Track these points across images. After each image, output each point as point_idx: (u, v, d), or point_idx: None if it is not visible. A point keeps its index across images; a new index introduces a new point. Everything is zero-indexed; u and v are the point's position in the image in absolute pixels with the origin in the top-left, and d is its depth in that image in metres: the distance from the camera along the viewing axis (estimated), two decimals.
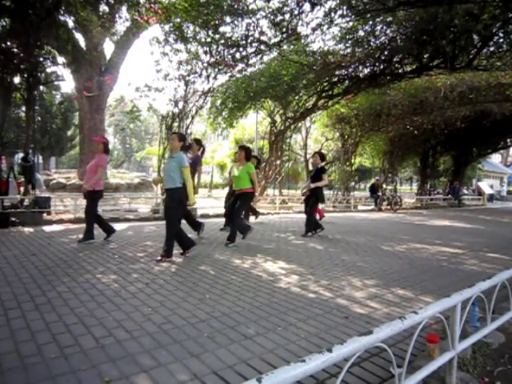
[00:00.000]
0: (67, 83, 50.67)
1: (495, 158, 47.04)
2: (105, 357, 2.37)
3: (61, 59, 12.35)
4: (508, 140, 25.61)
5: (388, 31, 10.45)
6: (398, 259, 5.79)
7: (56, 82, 24.61)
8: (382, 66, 12.28)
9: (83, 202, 11.34)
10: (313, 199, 7.77)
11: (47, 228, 7.71)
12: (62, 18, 9.98)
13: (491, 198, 29.77)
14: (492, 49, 10.73)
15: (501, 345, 2.66)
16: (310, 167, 6.29)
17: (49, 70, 15.58)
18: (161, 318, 3.05)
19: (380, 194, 16.89)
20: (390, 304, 3.61)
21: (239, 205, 6.57)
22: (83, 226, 8.16)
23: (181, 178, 5.15)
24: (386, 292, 4.00)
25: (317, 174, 7.79)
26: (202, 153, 7.38)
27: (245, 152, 6.78)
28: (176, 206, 5.21)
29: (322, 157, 8.26)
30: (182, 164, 5.14)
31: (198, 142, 7.35)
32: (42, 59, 10.08)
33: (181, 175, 5.15)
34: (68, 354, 2.39)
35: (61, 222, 8.47)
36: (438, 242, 7.66)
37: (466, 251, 6.74)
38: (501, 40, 10.22)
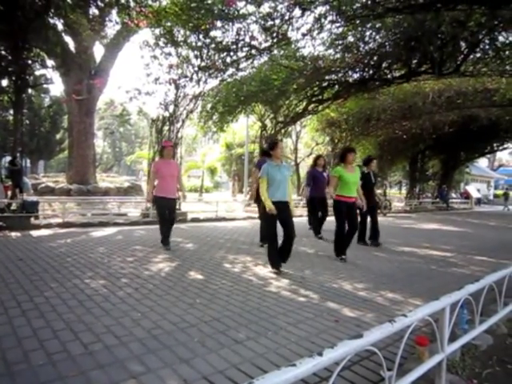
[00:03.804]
0: (56, 86, 50.39)
1: (482, 163, 47.77)
2: (93, 363, 2.34)
3: (50, 62, 12.28)
4: (494, 145, 26.03)
5: (377, 37, 10.57)
6: (387, 262, 5.83)
7: (45, 85, 24.36)
8: (371, 72, 12.42)
9: (72, 206, 11.28)
10: (373, 205, 7.31)
11: (35, 232, 7.60)
12: (51, 21, 9.90)
13: (479, 201, 30.18)
14: (478, 55, 10.94)
15: (489, 347, 2.69)
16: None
17: (37, 73, 15.47)
18: (150, 323, 3.02)
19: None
20: (380, 307, 3.63)
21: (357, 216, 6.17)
22: (72, 230, 8.13)
23: None
24: (376, 295, 4.02)
25: (375, 180, 7.72)
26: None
27: (355, 154, 6.17)
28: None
29: None
30: (291, 173, 5.06)
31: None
32: (30, 62, 9.99)
33: None
34: (56, 360, 2.35)
35: (49, 226, 8.35)
36: (426, 245, 7.74)
37: (455, 254, 6.82)
38: (487, 47, 10.42)
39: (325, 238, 7.77)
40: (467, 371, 2.33)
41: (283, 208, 4.74)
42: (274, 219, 4.77)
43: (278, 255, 4.89)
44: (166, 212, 6.09)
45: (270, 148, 4.98)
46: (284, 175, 4.79)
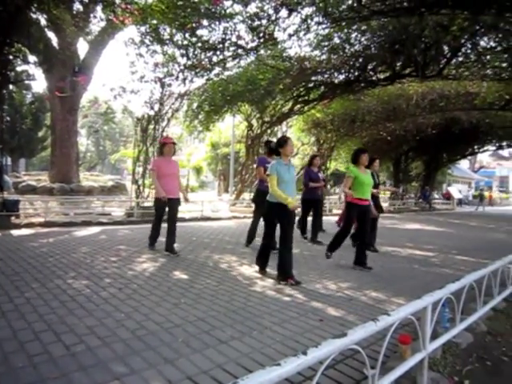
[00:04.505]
0: (39, 83, 49.38)
1: (464, 164, 48.82)
2: (75, 365, 2.30)
3: (32, 58, 12.00)
4: (475, 147, 26.67)
5: (362, 39, 10.70)
6: (371, 262, 5.87)
7: (27, 82, 23.85)
8: (356, 73, 12.56)
9: (54, 205, 11.06)
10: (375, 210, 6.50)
11: (15, 232, 7.44)
12: (33, 16, 9.69)
13: (460, 202, 30.81)
14: (461, 59, 11.20)
15: (469, 344, 2.75)
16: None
17: (19, 69, 15.11)
18: (134, 323, 2.99)
19: None
20: (364, 306, 3.67)
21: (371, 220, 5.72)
22: (54, 229, 7.98)
23: None
24: (360, 294, 4.06)
25: (379, 182, 7.09)
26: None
27: (368, 155, 5.72)
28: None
29: None
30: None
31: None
32: (11, 57, 9.74)
33: None
34: (37, 362, 2.31)
35: (30, 225, 8.19)
36: (409, 244, 7.86)
37: (437, 254, 6.95)
38: (469, 51, 10.67)
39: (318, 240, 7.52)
40: (448, 369, 2.38)
41: (288, 210, 4.40)
42: (275, 220, 4.58)
43: (285, 267, 4.45)
44: (163, 213, 5.83)
45: (279, 145, 4.51)
46: (292, 175, 4.51)
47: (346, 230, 5.62)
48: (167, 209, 5.83)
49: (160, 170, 5.69)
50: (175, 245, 5.88)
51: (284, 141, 4.51)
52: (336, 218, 9.43)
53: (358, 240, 5.67)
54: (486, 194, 33.45)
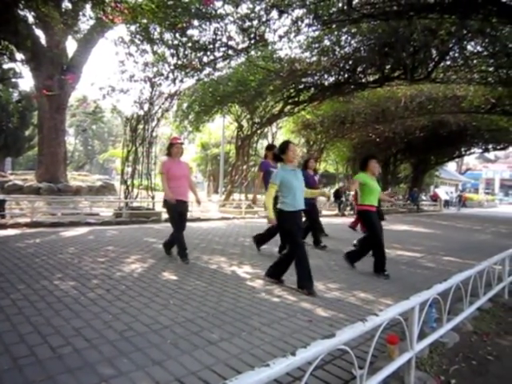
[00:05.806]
0: (26, 81, 48.66)
1: (451, 166, 49.56)
2: (62, 367, 2.27)
3: (19, 56, 11.83)
4: (462, 149, 27.11)
5: (352, 42, 10.81)
6: (360, 263, 5.92)
7: (13, 79, 23.46)
8: (346, 75, 12.66)
9: (41, 205, 10.90)
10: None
11: (1, 232, 7.31)
12: (21, 13, 9.56)
13: (447, 203, 31.29)
14: (448, 63, 11.39)
15: (455, 344, 2.79)
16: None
17: (6, 67, 14.85)
18: (122, 324, 2.96)
19: (344, 199, 17.28)
20: (353, 307, 3.69)
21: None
22: (41, 230, 7.87)
23: None
24: (349, 295, 4.09)
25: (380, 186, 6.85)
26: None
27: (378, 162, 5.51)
28: None
29: None
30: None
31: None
32: None
33: None
34: (22, 365, 2.27)
35: (16, 226, 8.05)
36: (397, 246, 7.92)
37: (424, 255, 7.03)
38: (456, 55, 10.85)
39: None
40: (435, 368, 2.41)
41: (300, 217, 4.32)
42: (299, 228, 4.31)
43: (280, 267, 4.38)
44: (179, 217, 5.39)
45: (281, 152, 4.23)
46: (300, 181, 4.22)
47: (380, 239, 5.17)
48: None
49: (170, 173, 5.24)
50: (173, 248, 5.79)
51: (285, 146, 4.21)
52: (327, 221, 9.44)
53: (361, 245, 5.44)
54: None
